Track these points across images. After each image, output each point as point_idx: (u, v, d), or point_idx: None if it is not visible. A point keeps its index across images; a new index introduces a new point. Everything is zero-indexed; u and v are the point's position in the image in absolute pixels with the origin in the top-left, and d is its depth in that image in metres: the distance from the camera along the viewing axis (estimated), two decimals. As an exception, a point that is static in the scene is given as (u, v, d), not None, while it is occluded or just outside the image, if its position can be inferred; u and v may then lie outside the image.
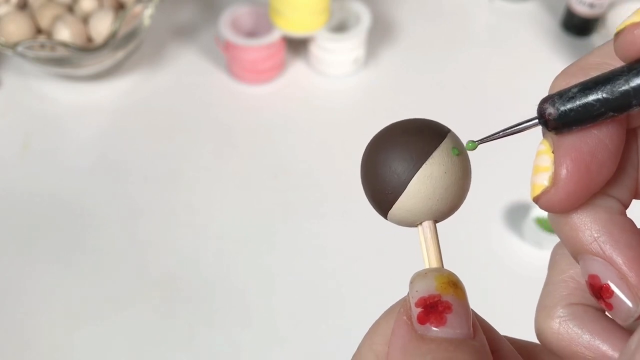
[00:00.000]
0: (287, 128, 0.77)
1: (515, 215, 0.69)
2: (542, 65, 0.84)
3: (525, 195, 0.70)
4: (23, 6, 0.78)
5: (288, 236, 0.68)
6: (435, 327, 0.18)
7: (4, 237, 0.68)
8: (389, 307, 0.21)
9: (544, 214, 0.67)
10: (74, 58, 0.73)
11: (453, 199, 0.22)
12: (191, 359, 0.60)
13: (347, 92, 0.81)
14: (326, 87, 0.81)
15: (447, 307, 0.19)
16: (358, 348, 0.21)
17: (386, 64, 0.84)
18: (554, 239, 0.66)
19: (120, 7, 0.78)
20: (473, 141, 0.24)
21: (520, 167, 0.73)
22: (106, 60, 0.77)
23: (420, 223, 0.22)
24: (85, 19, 0.76)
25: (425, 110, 0.80)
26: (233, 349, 0.60)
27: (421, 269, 0.21)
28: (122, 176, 0.72)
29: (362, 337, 0.21)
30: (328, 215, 0.70)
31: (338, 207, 0.70)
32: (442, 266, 0.22)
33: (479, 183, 0.73)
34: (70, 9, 0.77)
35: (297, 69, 0.83)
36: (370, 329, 0.21)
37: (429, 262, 0.22)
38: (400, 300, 0.21)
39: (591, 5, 0.82)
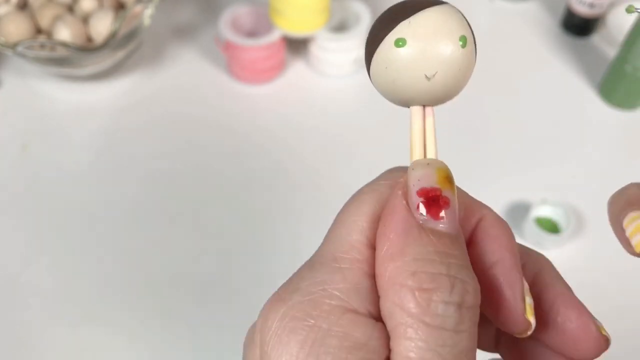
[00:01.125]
0: (287, 128, 0.77)
1: (515, 215, 0.69)
2: (542, 65, 0.84)
3: (526, 194, 0.71)
4: (23, 6, 0.78)
5: (288, 236, 0.68)
6: (432, 219, 0.19)
7: (3, 236, 0.67)
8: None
9: (544, 213, 0.67)
10: (74, 58, 0.73)
11: (409, 90, 0.21)
12: (192, 359, 0.60)
13: (347, 92, 0.81)
14: (326, 87, 0.81)
15: (446, 203, 0.19)
16: (337, 222, 0.22)
17: (386, 64, 0.83)
18: (554, 239, 0.66)
19: (120, 7, 0.78)
20: (633, 8, 0.23)
21: (520, 166, 0.73)
22: (106, 60, 0.77)
23: (409, 106, 0.22)
24: (85, 19, 0.76)
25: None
26: (234, 349, 0.60)
27: (422, 158, 0.21)
28: (122, 176, 0.72)
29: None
30: (328, 216, 0.69)
31: (338, 207, 0.70)
32: (424, 156, 0.22)
33: (478, 182, 0.73)
34: (70, 9, 0.77)
35: (297, 69, 0.83)
36: (352, 205, 0.22)
37: (413, 147, 0.22)
38: (368, 184, 0.22)
39: (591, 5, 0.82)
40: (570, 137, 0.77)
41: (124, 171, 0.73)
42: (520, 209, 0.69)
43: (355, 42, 0.79)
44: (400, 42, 0.20)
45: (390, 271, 0.19)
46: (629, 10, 0.23)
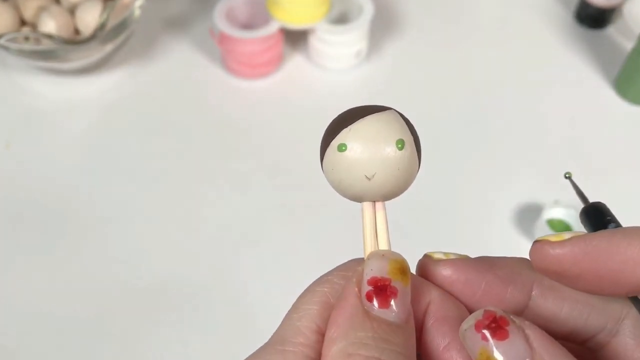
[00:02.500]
0: (285, 124, 0.76)
1: (526, 217, 0.67)
2: (555, 59, 0.82)
3: (537, 196, 0.68)
4: (7, -3, 0.76)
5: (285, 236, 0.66)
6: (380, 307, 0.21)
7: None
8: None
9: (556, 215, 0.65)
10: (60, 51, 0.72)
11: (354, 189, 0.24)
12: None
13: (348, 86, 0.79)
14: (327, 82, 0.80)
15: (393, 293, 0.21)
16: (292, 308, 0.24)
17: (390, 57, 0.82)
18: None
19: (109, -2, 0.76)
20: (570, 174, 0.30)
21: (531, 166, 0.70)
22: (94, 53, 0.75)
23: (361, 202, 0.25)
24: (72, 10, 0.74)
25: (431, 105, 0.78)
26: (228, 355, 0.58)
27: (379, 249, 0.23)
28: (111, 174, 0.70)
29: None
30: (328, 214, 0.67)
31: (338, 206, 0.67)
32: (376, 246, 0.24)
33: (490, 183, 0.71)
34: (57, -1, 0.76)
35: (296, 63, 0.81)
36: (307, 294, 0.24)
37: (365, 241, 0.24)
38: (323, 276, 0.24)
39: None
40: (584, 134, 0.75)
41: (112, 169, 0.71)
42: (532, 211, 0.67)
43: (357, 35, 0.77)
44: (342, 147, 0.24)
45: (332, 352, 0.21)
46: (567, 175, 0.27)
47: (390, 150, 0.23)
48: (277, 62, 0.80)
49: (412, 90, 0.79)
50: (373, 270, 0.22)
